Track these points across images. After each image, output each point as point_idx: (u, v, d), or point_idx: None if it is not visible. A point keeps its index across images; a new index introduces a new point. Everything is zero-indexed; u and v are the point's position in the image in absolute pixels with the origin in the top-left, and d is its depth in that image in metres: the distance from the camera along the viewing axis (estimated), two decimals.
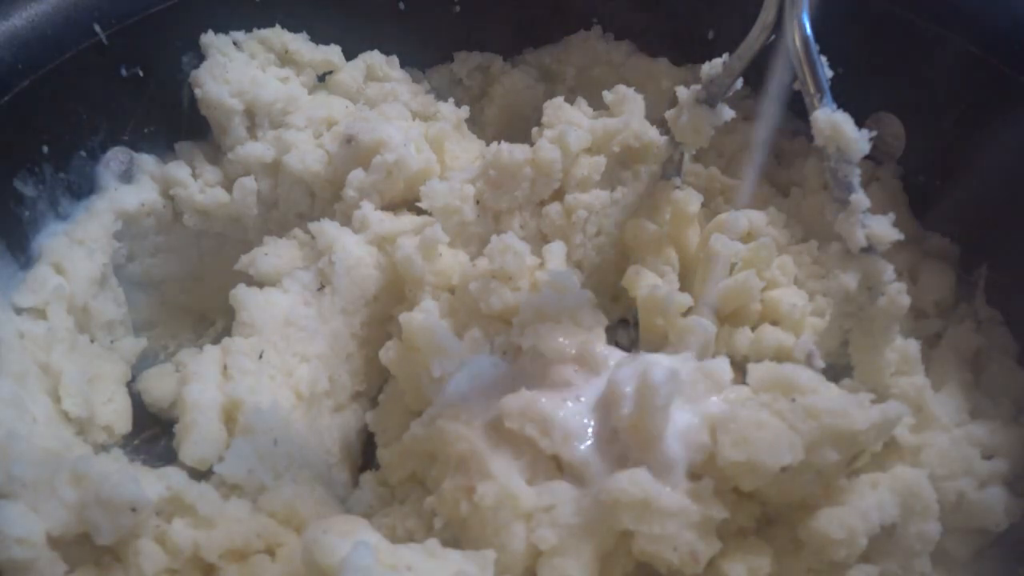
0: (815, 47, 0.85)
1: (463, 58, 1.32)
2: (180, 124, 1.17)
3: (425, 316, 0.94)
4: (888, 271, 0.84)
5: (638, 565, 0.79)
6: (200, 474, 0.87)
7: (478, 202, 1.07)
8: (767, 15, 0.89)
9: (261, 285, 1.06)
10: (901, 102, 1.08)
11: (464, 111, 1.25)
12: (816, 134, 0.85)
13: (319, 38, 1.23)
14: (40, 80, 0.99)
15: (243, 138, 1.15)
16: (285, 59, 1.21)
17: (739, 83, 0.99)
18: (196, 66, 1.14)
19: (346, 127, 1.13)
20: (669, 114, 1.05)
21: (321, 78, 1.24)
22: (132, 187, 1.13)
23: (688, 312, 0.98)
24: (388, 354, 0.98)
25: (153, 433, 1.07)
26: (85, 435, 0.97)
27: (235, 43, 1.17)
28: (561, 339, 0.90)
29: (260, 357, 0.99)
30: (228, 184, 1.17)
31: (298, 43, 1.21)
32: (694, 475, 0.80)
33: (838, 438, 0.76)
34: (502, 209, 1.07)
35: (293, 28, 1.21)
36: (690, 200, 1.06)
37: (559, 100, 1.12)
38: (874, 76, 1.04)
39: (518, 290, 0.96)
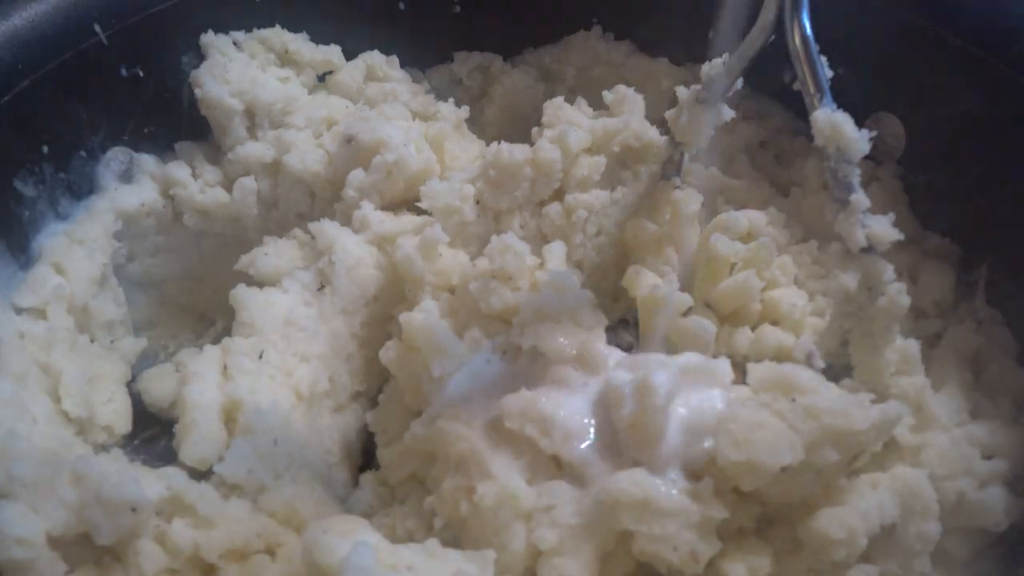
0: (815, 47, 0.85)
1: (463, 58, 1.32)
2: (180, 124, 1.17)
3: (425, 316, 0.94)
4: (888, 271, 0.84)
5: (638, 565, 0.79)
6: (200, 474, 0.87)
7: (478, 202, 1.07)
8: (767, 15, 0.89)
9: (261, 285, 1.06)
10: (901, 102, 1.08)
11: (464, 111, 1.25)
12: (816, 134, 0.85)
13: (319, 38, 1.23)
14: (40, 80, 0.99)
15: (243, 138, 1.15)
16: (285, 59, 1.21)
17: (739, 83, 0.99)
18: (196, 66, 1.14)
19: (346, 127, 1.13)
20: (669, 114, 1.05)
21: (321, 78, 1.24)
22: (132, 187, 1.13)
23: (688, 312, 0.98)
24: (388, 354, 0.98)
25: (153, 433, 1.07)
26: (85, 435, 0.97)
27: (235, 43, 1.18)
28: (561, 339, 0.90)
29: (260, 357, 0.99)
30: (228, 184, 1.16)
31: (298, 43, 1.21)
32: (694, 475, 0.80)
33: (838, 438, 0.76)
34: (502, 209, 1.07)
35: (293, 28, 1.21)
36: (690, 200, 1.06)
37: (559, 100, 1.12)
38: (874, 76, 1.04)
39: (518, 290, 0.96)
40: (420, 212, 1.09)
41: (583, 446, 0.83)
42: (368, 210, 1.09)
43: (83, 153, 1.08)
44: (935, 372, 0.93)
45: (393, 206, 1.12)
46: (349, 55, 1.24)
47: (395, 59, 1.26)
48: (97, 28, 1.03)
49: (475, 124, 1.30)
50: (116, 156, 1.12)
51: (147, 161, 1.14)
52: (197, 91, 1.13)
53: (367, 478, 0.98)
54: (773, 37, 0.89)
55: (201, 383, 0.95)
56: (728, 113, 1.02)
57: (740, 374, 0.87)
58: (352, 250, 1.05)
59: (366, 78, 1.24)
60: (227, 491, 0.86)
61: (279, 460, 0.90)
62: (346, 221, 1.10)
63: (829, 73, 0.86)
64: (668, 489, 0.77)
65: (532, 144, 1.05)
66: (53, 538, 0.75)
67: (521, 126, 1.24)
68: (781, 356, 0.96)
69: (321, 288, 1.05)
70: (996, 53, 0.96)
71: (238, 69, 1.14)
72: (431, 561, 0.72)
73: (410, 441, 0.91)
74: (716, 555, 0.77)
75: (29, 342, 0.95)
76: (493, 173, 1.05)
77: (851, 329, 0.89)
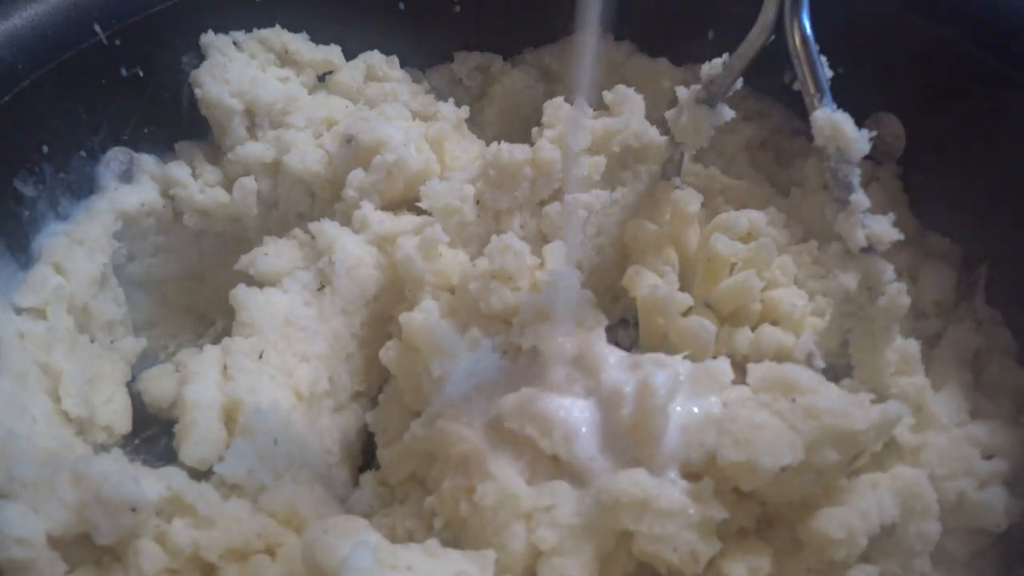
0: (815, 47, 0.85)
1: (463, 58, 1.32)
2: (180, 124, 1.17)
3: (425, 316, 0.94)
4: (888, 271, 0.84)
5: (638, 565, 0.79)
6: (200, 474, 0.87)
7: (478, 202, 1.07)
8: (767, 15, 0.89)
9: (261, 285, 1.06)
10: (901, 102, 1.08)
11: (464, 111, 1.25)
12: (816, 134, 0.85)
13: (319, 38, 1.23)
14: (40, 80, 0.99)
15: (243, 138, 1.15)
16: (285, 59, 1.21)
17: (739, 83, 0.99)
18: (196, 66, 1.13)
19: (346, 127, 1.13)
20: (669, 114, 1.05)
21: (321, 78, 1.24)
22: (132, 187, 1.13)
23: (688, 312, 0.98)
24: (388, 354, 0.98)
25: (153, 433, 1.07)
26: (85, 435, 0.97)
27: (235, 43, 1.17)
28: (561, 339, 0.90)
29: (260, 357, 0.99)
30: (228, 184, 1.16)
31: (298, 43, 1.21)
32: (694, 475, 0.80)
33: (838, 438, 0.76)
34: (502, 209, 1.07)
35: (293, 28, 1.21)
36: (690, 200, 1.06)
37: (559, 100, 1.12)
38: (874, 76, 1.04)
39: (518, 290, 0.96)
40: (420, 212, 1.09)
41: (583, 446, 0.83)
42: (368, 210, 1.09)
43: (83, 153, 1.08)
44: (935, 372, 0.93)
45: (393, 206, 1.12)
46: (349, 55, 1.24)
47: (395, 59, 1.26)
48: (97, 28, 1.03)
49: (475, 124, 1.30)
50: (116, 156, 1.12)
51: (147, 161, 1.14)
52: (197, 91, 1.13)
53: (367, 478, 0.98)
54: (773, 37, 0.89)
55: (201, 383, 0.95)
56: (728, 113, 1.02)
57: (740, 374, 0.87)
58: (352, 250, 1.05)
59: (366, 78, 1.24)
60: (227, 491, 0.86)
61: (279, 460, 0.90)
62: (346, 221, 1.10)
63: (829, 73, 0.86)
64: (668, 489, 0.77)
65: (532, 144, 1.05)
66: (53, 538, 0.75)
67: (521, 126, 1.24)
68: (781, 356, 0.96)
69: (321, 288, 1.05)
70: (996, 53, 0.96)
71: (238, 69, 1.14)
72: (431, 561, 0.72)
73: (410, 441, 0.91)
74: (716, 555, 0.77)
75: (29, 342, 0.95)
76: (493, 173, 1.05)
77: (851, 329, 0.89)
